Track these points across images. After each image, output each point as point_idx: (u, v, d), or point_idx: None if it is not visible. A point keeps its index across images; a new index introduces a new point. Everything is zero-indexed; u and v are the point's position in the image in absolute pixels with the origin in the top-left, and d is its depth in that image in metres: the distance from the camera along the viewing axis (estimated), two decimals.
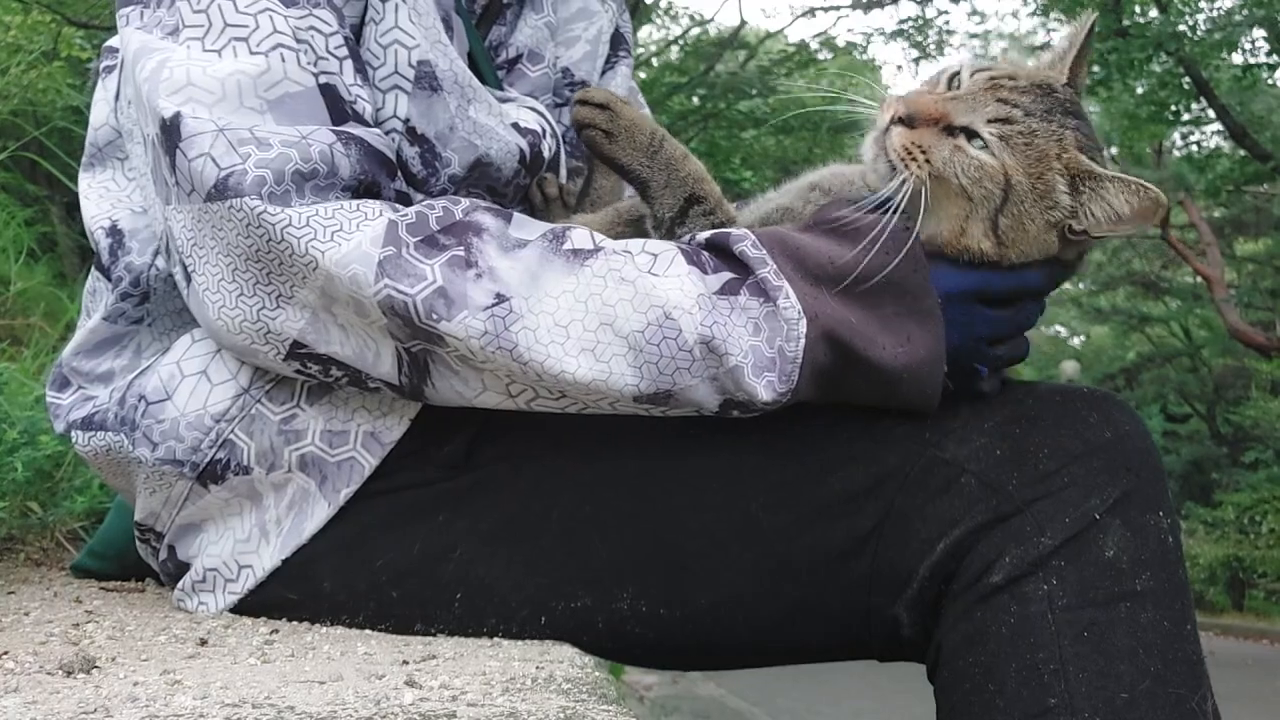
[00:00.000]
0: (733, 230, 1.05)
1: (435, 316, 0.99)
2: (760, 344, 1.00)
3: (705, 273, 1.02)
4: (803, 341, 0.99)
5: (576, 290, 1.00)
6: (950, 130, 1.07)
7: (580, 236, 1.04)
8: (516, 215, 1.07)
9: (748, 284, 1.01)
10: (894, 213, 1.04)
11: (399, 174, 1.11)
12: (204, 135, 1.02)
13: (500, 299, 0.99)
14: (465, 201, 1.06)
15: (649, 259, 1.03)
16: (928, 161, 1.06)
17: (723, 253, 1.04)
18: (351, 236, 1.00)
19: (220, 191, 1.01)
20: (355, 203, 1.03)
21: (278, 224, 1.00)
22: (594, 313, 1.00)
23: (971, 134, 1.06)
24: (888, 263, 1.02)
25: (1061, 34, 1.20)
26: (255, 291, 1.04)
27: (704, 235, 1.07)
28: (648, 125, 1.15)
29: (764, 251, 1.02)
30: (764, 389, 0.99)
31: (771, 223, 1.14)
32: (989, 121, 1.06)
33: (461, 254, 1.01)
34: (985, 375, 1.08)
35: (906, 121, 1.08)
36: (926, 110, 1.08)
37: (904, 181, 1.05)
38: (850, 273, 1.02)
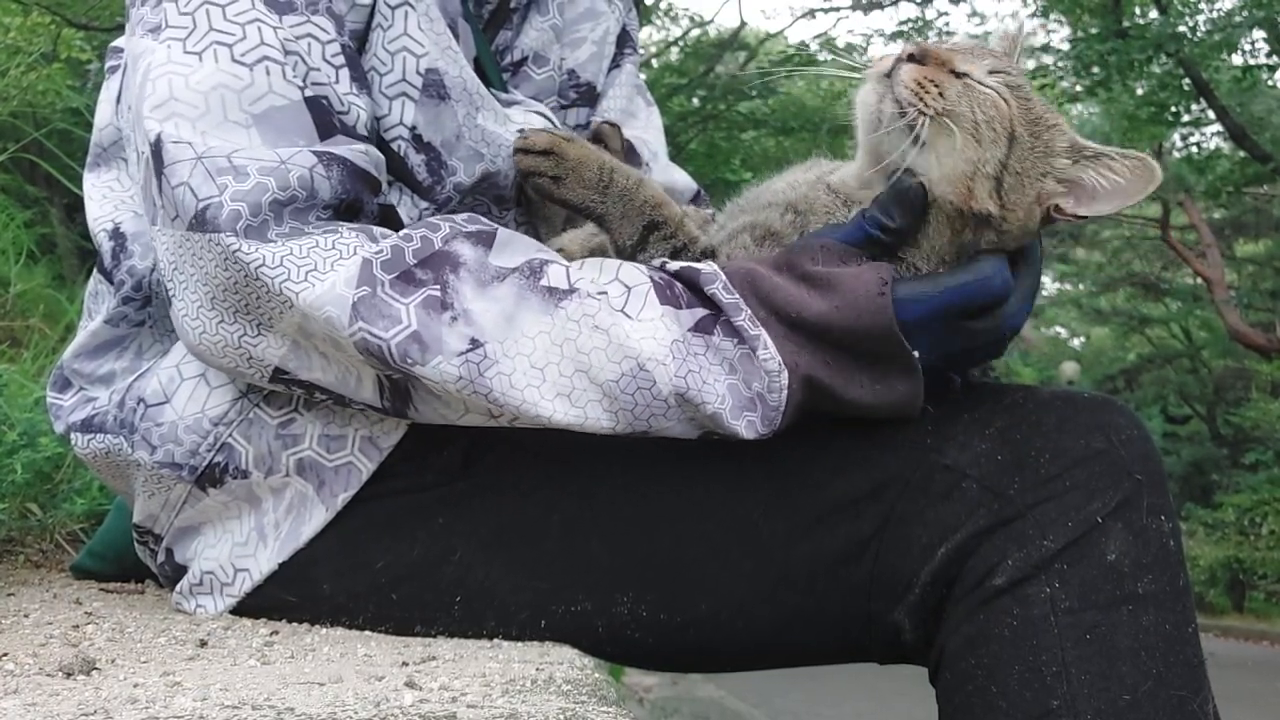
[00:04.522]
0: (703, 268, 1.03)
1: (410, 361, 0.99)
2: (737, 383, 0.99)
3: (679, 308, 1.01)
4: (785, 393, 0.99)
5: (552, 333, 1.00)
6: (955, 74, 1.06)
7: (557, 273, 1.03)
8: (500, 235, 1.05)
9: (721, 323, 1.01)
10: (907, 158, 1.02)
11: (382, 187, 1.10)
12: (184, 163, 1.01)
13: (475, 344, 0.99)
14: (445, 228, 1.05)
15: (622, 294, 1.01)
16: (941, 95, 1.03)
17: (695, 288, 1.03)
18: (325, 277, 0.99)
19: (200, 223, 1.00)
20: (331, 238, 1.01)
21: (251, 263, 0.99)
22: (569, 358, 0.99)
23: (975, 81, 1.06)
24: (860, 324, 0.99)
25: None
26: (236, 319, 1.03)
27: (675, 266, 1.05)
28: (595, 161, 1.12)
29: (737, 296, 1.01)
30: (745, 429, 1.00)
31: (741, 239, 1.13)
32: (990, 73, 1.06)
33: (437, 294, 1.00)
34: (959, 382, 1.09)
35: (918, 58, 1.05)
36: (936, 51, 1.06)
37: (917, 122, 1.02)
38: (822, 330, 1.00)
